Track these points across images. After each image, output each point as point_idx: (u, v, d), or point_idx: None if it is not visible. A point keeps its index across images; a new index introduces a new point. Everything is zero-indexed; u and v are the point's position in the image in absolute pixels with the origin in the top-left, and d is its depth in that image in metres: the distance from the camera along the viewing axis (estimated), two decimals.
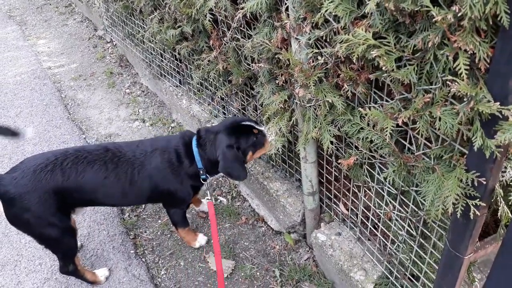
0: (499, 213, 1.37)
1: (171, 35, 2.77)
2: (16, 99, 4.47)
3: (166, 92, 3.87)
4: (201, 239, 2.75)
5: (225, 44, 2.38)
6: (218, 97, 2.91)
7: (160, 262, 2.71)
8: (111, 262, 2.70)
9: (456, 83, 1.07)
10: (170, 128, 3.85)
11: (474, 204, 1.23)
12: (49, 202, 2.09)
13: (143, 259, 2.73)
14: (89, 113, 4.19)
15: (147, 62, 3.98)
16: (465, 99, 1.09)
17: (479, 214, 1.24)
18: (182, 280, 2.58)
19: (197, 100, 3.42)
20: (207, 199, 2.31)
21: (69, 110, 4.24)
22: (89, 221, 2.98)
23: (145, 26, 3.50)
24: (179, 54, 3.06)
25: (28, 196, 2.04)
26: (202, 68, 2.67)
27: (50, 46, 5.46)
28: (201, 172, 2.29)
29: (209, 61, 2.58)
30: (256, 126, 2.23)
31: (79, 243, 2.79)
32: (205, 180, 2.32)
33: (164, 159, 2.25)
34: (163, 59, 3.58)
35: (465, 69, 1.07)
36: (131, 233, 2.90)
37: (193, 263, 2.67)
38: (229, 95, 2.78)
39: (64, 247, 2.31)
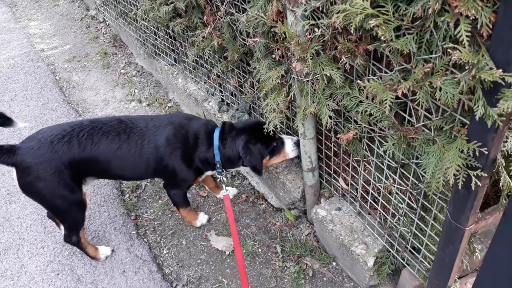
0: (500, 183, 1.35)
1: (164, 11, 2.70)
2: (10, 83, 4.42)
3: (162, 71, 3.81)
4: (202, 218, 2.75)
5: (219, 19, 2.32)
6: (214, 75, 2.86)
7: (162, 241, 2.72)
8: (113, 243, 2.71)
9: (457, 51, 1.04)
10: (167, 108, 3.81)
11: (475, 174, 1.21)
12: (64, 173, 2.13)
13: (145, 239, 2.74)
14: (85, 95, 4.14)
15: (141, 41, 3.91)
16: (466, 67, 1.05)
17: (480, 184, 1.22)
18: (184, 259, 2.59)
19: (193, 78, 3.37)
20: (223, 192, 2.35)
21: (64, 93, 4.19)
22: (89, 203, 2.97)
23: (137, 4, 3.42)
24: (173, 31, 3.00)
25: (44, 166, 2.08)
26: (197, 45, 2.61)
27: (42, 28, 5.36)
28: (217, 165, 2.31)
29: (203, 37, 2.52)
30: (278, 134, 2.27)
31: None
32: (220, 173, 2.36)
33: (178, 134, 2.25)
34: (157, 37, 3.52)
35: (466, 36, 1.04)
36: (132, 214, 2.90)
37: (195, 242, 2.68)
38: (225, 72, 2.73)
39: (72, 219, 2.35)
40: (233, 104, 2.94)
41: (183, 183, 2.43)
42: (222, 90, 2.98)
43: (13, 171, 2.16)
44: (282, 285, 2.39)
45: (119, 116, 2.35)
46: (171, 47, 3.40)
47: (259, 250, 2.59)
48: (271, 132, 2.15)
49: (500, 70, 0.98)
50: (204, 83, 3.21)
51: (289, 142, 2.32)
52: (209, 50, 2.56)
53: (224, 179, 2.38)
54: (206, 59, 2.87)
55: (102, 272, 2.56)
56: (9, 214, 2.97)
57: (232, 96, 2.89)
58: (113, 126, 2.21)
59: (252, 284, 2.42)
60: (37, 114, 3.91)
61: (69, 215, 2.33)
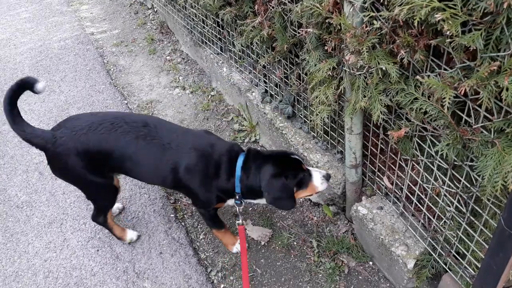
0: None
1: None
2: (60, 64, 4.58)
3: (207, 60, 3.85)
4: (234, 248, 2.57)
5: (271, 9, 2.31)
6: (260, 65, 2.86)
7: (199, 227, 2.76)
8: (152, 225, 2.77)
9: None
10: (209, 96, 3.85)
11: None
12: (89, 162, 2.15)
13: (183, 223, 2.79)
14: (131, 79, 4.24)
15: (188, 28, 3.96)
16: None
17: None
18: (220, 246, 2.62)
19: (237, 68, 3.38)
20: (238, 223, 2.24)
21: (111, 76, 4.30)
22: (131, 185, 3.06)
23: None
24: (222, 20, 3.01)
25: (70, 153, 2.11)
26: (246, 34, 2.61)
27: (93, 12, 5.52)
28: (237, 197, 2.17)
29: (253, 27, 2.52)
30: (305, 165, 2.13)
31: (120, 205, 2.89)
32: (239, 205, 2.22)
33: (200, 163, 2.13)
34: (205, 26, 3.54)
35: None
36: (171, 198, 2.95)
37: (232, 229, 2.69)
38: (272, 63, 2.72)
39: (101, 201, 2.43)
40: (276, 96, 2.93)
41: (207, 205, 2.30)
42: (267, 81, 2.98)
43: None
44: (317, 280, 2.37)
45: (146, 118, 2.30)
46: (218, 36, 3.42)
47: (295, 243, 2.58)
48: (298, 162, 2.08)
49: None
50: (249, 73, 3.22)
51: (317, 175, 2.14)
52: (258, 40, 2.55)
53: (240, 209, 2.24)
54: (253, 49, 2.87)
55: (140, 252, 2.62)
56: (55, 190, 3.09)
57: (277, 87, 2.88)
58: (135, 128, 2.15)
59: (286, 276, 2.41)
60: (85, 95, 4.04)
61: (97, 198, 2.41)
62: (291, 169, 2.08)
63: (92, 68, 4.45)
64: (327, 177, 2.15)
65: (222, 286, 2.42)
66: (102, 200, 2.42)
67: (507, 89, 1.15)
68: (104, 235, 2.73)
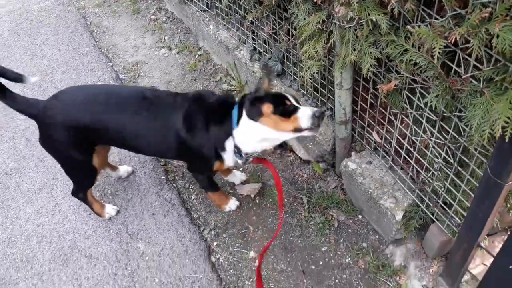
0: None
1: None
2: (41, 26, 4.43)
3: (193, 18, 3.75)
4: (232, 204, 2.61)
5: None
6: (248, 21, 2.79)
7: (190, 187, 2.78)
8: (143, 187, 2.79)
9: None
10: (196, 56, 3.77)
11: None
12: (76, 137, 2.11)
13: (174, 185, 2.80)
14: (115, 40, 4.13)
15: None
16: None
17: None
18: (212, 205, 2.65)
19: (225, 25, 3.30)
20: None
21: (94, 38, 4.18)
22: (120, 150, 3.03)
23: None
24: None
25: (58, 126, 2.08)
26: None
27: None
28: (235, 150, 2.07)
29: None
30: (293, 101, 1.96)
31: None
32: (240, 157, 2.11)
33: (199, 114, 2.06)
34: None
35: None
36: (162, 160, 2.95)
37: (223, 189, 2.71)
38: (260, 18, 2.66)
39: (79, 180, 2.42)
40: (265, 53, 2.89)
41: (207, 167, 2.24)
42: (255, 38, 2.92)
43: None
44: (307, 234, 2.43)
45: (143, 90, 2.24)
46: None
47: (285, 200, 2.62)
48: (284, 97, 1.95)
49: None
50: (237, 30, 3.15)
51: (305, 111, 1.88)
52: None
53: (241, 162, 2.14)
54: (240, 4, 2.80)
55: (132, 214, 2.64)
56: (43, 155, 3.05)
57: (265, 44, 2.83)
58: (133, 103, 2.11)
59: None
60: (68, 59, 3.93)
61: (76, 176, 2.39)
62: (276, 101, 1.93)
63: (75, 30, 4.32)
64: (320, 115, 1.85)
65: (215, 243, 2.46)
66: (80, 179, 2.41)
67: (497, 36, 1.14)
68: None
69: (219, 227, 2.54)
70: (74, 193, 2.48)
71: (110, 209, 2.63)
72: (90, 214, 2.64)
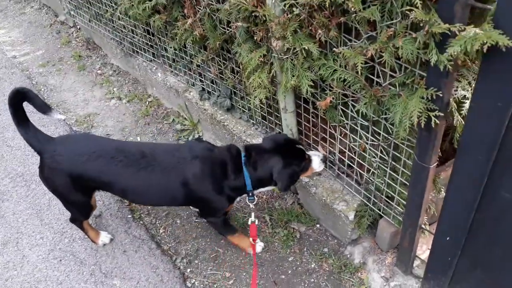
0: (454, 122, 1.65)
1: (145, 7, 2.90)
2: None
3: (140, 68, 3.98)
4: (258, 247, 2.62)
5: (200, 11, 2.55)
6: (194, 65, 3.08)
7: (157, 222, 2.91)
8: (111, 228, 2.88)
9: (413, 12, 1.32)
10: (147, 102, 3.98)
11: (434, 115, 1.50)
12: (76, 183, 2.28)
13: (141, 222, 2.92)
14: (64, 97, 4.25)
15: (117, 40, 4.06)
16: (421, 24, 1.33)
17: (438, 123, 1.51)
18: (180, 235, 2.79)
19: (172, 72, 3.57)
20: (252, 221, 2.38)
21: (43, 96, 4.27)
22: None
23: (113, 5, 3.59)
24: (152, 27, 3.20)
25: (64, 173, 2.24)
26: (179, 37, 2.81)
27: (11, 36, 5.38)
28: (250, 194, 2.33)
29: (185, 29, 2.73)
30: (306, 152, 2.33)
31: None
32: (252, 202, 2.36)
33: (205, 167, 2.24)
34: (135, 35, 3.69)
35: (419, 1, 1.32)
36: (125, 201, 3.06)
37: (189, 219, 2.88)
38: (206, 61, 2.95)
39: (78, 214, 2.59)
40: (214, 92, 3.16)
41: (218, 211, 2.42)
42: (203, 79, 3.20)
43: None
44: (274, 248, 2.64)
45: (142, 147, 2.38)
46: (149, 43, 3.58)
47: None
48: (302, 151, 2.28)
49: (447, 24, 1.26)
50: (184, 74, 3.42)
51: (316, 159, 2.34)
52: (191, 41, 2.77)
53: (252, 206, 2.40)
54: (186, 51, 3.09)
55: (104, 254, 2.72)
56: (3, 212, 3.06)
57: (213, 84, 3.11)
58: (135, 161, 2.23)
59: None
60: None
61: (73, 211, 2.57)
62: (296, 160, 2.26)
63: None
64: (324, 159, 2.37)
65: (188, 270, 2.60)
66: (78, 213, 2.58)
67: (401, 48, 1.49)
68: (65, 245, 2.78)
69: (190, 255, 2.68)
70: (72, 220, 2.64)
71: (104, 237, 2.77)
72: (60, 260, 2.69)
